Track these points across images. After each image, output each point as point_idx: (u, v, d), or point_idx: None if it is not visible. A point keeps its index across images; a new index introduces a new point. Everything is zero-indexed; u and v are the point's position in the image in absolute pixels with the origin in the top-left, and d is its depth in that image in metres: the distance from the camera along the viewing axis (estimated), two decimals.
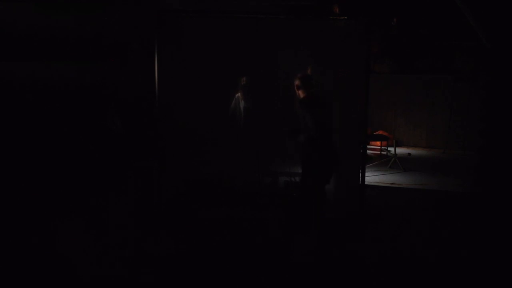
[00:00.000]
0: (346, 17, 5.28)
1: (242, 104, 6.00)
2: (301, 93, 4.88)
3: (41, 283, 3.68)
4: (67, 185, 5.14)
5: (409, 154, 9.66)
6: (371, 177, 7.22)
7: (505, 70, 6.25)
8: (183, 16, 5.32)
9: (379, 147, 9.41)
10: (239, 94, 6.03)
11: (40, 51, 5.11)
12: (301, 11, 6.93)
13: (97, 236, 4.54)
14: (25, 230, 4.61)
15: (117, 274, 3.83)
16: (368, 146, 9.30)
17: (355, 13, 5.20)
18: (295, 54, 5.65)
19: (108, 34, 5.16)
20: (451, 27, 9.56)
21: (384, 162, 8.38)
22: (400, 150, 9.43)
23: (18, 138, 5.16)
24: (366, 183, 5.36)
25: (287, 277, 3.86)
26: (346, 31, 5.21)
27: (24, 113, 5.19)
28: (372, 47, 5.51)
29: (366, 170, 5.37)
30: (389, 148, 9.15)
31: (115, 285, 3.69)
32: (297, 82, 4.90)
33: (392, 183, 7.07)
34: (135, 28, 5.18)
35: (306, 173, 4.81)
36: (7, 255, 4.12)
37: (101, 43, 5.15)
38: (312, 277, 3.87)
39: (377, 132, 10.12)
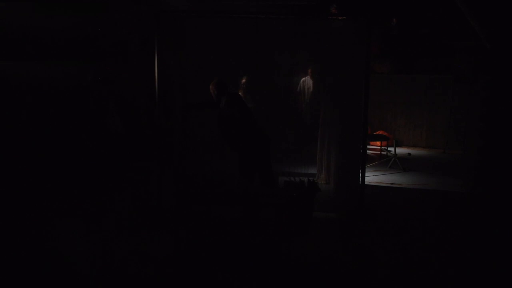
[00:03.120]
0: (345, 17, 5.28)
1: None
2: (223, 98, 5.16)
3: (41, 283, 3.68)
4: (67, 185, 5.14)
5: (409, 154, 9.66)
6: (371, 177, 7.22)
7: (505, 70, 6.23)
8: (183, 16, 5.33)
9: (379, 147, 9.41)
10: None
11: (40, 51, 5.11)
12: (301, 11, 6.93)
13: (97, 236, 4.54)
14: (24, 229, 4.61)
15: (117, 274, 3.83)
16: (368, 146, 9.30)
17: (355, 13, 5.20)
18: (295, 54, 5.66)
19: (108, 34, 5.16)
20: (451, 27, 9.55)
21: (384, 162, 8.38)
22: (400, 150, 9.43)
23: (18, 138, 5.16)
24: (366, 183, 5.37)
25: (287, 277, 3.87)
26: (346, 31, 5.21)
27: (23, 113, 5.19)
28: (372, 47, 5.50)
29: (366, 170, 5.37)
30: (389, 148, 9.14)
31: (115, 285, 3.70)
32: (213, 89, 5.23)
33: (392, 183, 7.07)
34: (135, 28, 5.18)
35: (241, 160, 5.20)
36: (7, 255, 4.12)
37: (101, 43, 5.14)
38: (311, 277, 3.87)
39: (377, 132, 10.12)
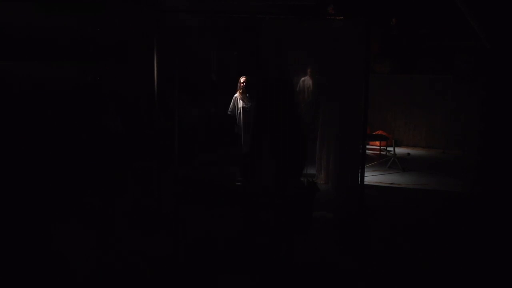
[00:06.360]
0: (345, 17, 5.28)
1: (240, 104, 6.02)
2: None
3: (40, 283, 3.68)
4: (67, 184, 5.14)
5: (408, 154, 9.66)
6: (371, 177, 7.22)
7: (505, 70, 6.24)
8: (183, 16, 5.33)
9: (379, 147, 9.41)
10: (237, 95, 6.04)
11: (40, 51, 5.12)
12: (301, 11, 6.93)
13: (96, 236, 4.54)
14: (22, 229, 4.61)
15: (116, 274, 3.83)
16: (368, 146, 9.29)
17: (354, 13, 5.19)
18: (295, 54, 5.66)
19: (108, 33, 5.17)
20: (451, 27, 9.55)
21: (383, 162, 8.38)
22: (399, 150, 9.43)
23: (18, 138, 5.16)
24: (365, 183, 5.36)
25: (287, 277, 3.87)
26: (346, 31, 5.21)
27: (24, 112, 5.19)
28: (372, 47, 5.50)
29: (365, 170, 5.37)
30: (388, 148, 9.15)
31: (114, 285, 3.70)
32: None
33: (391, 183, 7.07)
34: (135, 28, 5.19)
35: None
36: (6, 254, 4.13)
37: (101, 43, 5.15)
38: (311, 277, 3.87)
39: (377, 132, 10.12)
